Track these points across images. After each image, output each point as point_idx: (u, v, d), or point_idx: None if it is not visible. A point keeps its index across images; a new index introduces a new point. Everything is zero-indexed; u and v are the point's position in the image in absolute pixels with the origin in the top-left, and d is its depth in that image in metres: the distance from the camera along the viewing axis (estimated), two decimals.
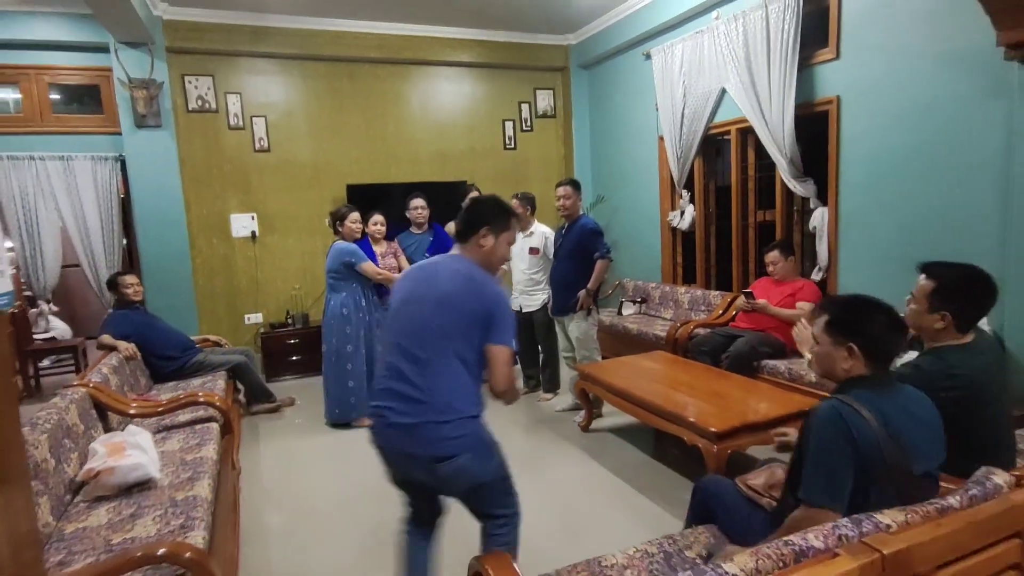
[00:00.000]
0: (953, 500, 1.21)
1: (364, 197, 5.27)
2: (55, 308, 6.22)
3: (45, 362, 5.81)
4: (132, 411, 2.76)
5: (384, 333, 1.87)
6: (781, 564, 1.05)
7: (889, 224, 3.41)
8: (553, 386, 4.47)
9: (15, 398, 1.30)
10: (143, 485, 2.18)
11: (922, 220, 3.23)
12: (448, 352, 1.70)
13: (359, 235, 4.05)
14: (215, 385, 3.57)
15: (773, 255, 3.87)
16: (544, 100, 6.27)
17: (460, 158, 5.96)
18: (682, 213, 5.04)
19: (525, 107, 6.19)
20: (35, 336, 5.43)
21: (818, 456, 1.38)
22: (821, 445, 1.38)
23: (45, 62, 4.61)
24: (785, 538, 1.11)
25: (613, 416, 3.83)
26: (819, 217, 3.80)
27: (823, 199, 3.80)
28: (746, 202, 4.53)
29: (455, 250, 1.89)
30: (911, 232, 3.28)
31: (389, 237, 4.44)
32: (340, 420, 3.97)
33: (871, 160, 3.48)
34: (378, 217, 4.33)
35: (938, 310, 1.81)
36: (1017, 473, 1.34)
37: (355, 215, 3.99)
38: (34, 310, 5.23)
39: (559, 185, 4.08)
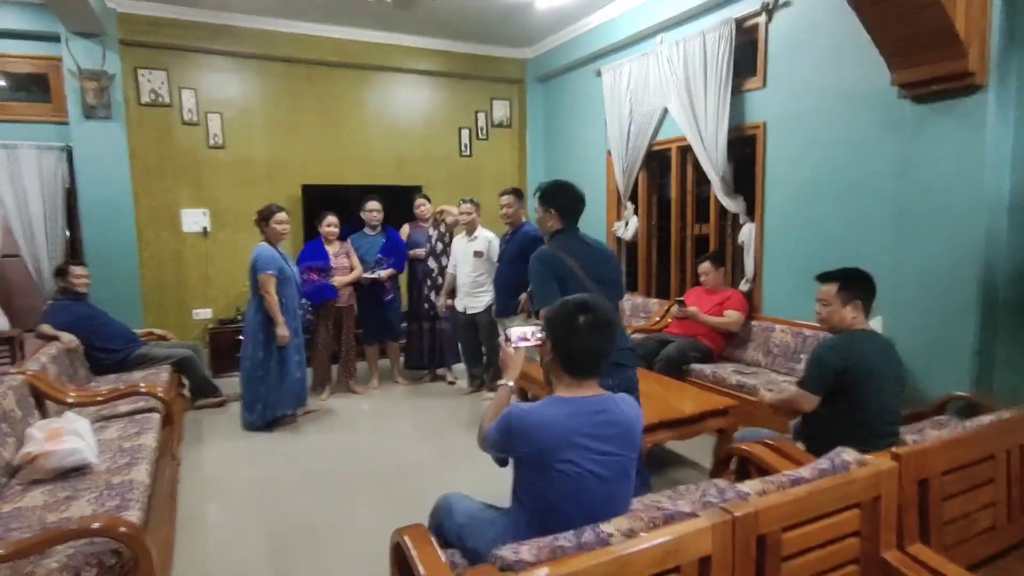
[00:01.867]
0: (805, 472, 1.41)
1: (319, 197, 5.35)
2: None
3: None
4: (71, 400, 2.78)
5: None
6: (652, 525, 1.23)
7: (805, 240, 3.71)
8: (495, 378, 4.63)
9: None
10: (79, 470, 2.22)
11: (831, 238, 3.54)
12: None
13: (285, 237, 3.92)
14: (158, 378, 3.58)
15: (705, 266, 4.14)
16: (500, 110, 6.46)
17: (415, 163, 6.08)
18: (626, 224, 5.29)
19: (481, 116, 6.36)
20: None
21: (537, 279, 2.37)
22: (538, 273, 2.36)
23: None
24: (658, 503, 1.29)
25: None
26: (747, 232, 4.09)
27: (752, 215, 4.09)
28: (685, 215, 4.80)
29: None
30: (822, 248, 3.58)
31: (342, 237, 4.53)
32: (261, 423, 3.85)
33: (790, 182, 3.79)
34: (332, 218, 4.41)
35: (850, 301, 2.22)
36: (871, 455, 1.57)
37: (282, 215, 3.87)
38: None
39: (503, 194, 4.27)
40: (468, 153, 6.34)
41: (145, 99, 5.01)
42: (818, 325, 2.46)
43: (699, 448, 3.32)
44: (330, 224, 4.38)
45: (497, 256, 4.32)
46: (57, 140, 4.70)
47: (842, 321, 2.23)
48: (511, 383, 1.86)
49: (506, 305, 4.17)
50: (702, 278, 4.17)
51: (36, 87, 4.76)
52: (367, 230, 4.63)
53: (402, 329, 4.87)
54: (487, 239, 4.46)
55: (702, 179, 4.50)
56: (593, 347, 1.57)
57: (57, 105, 4.73)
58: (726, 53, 3.98)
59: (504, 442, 1.58)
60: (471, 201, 4.53)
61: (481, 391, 4.72)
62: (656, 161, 5.12)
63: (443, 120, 6.19)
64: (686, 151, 4.64)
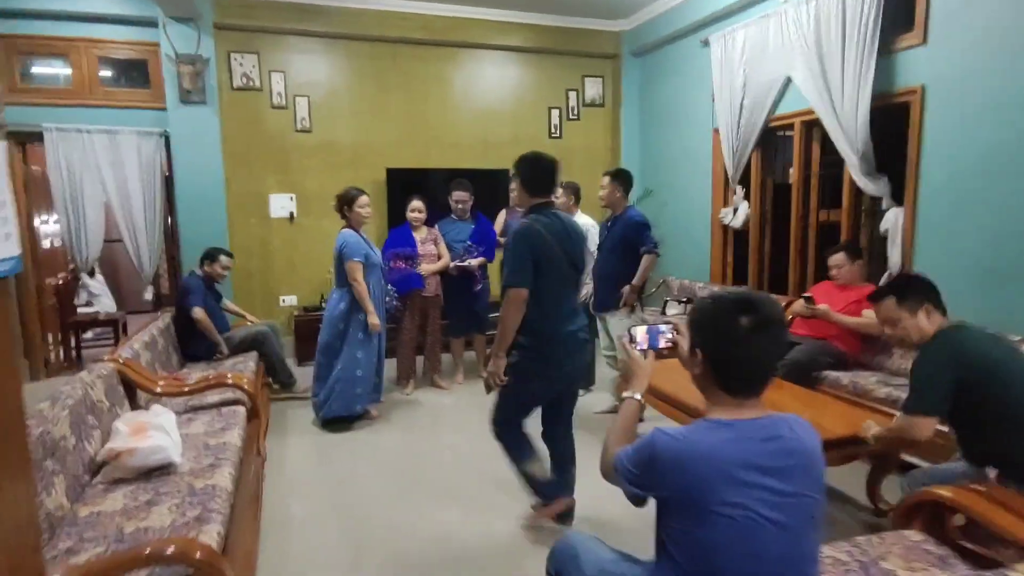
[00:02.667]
0: None
1: (404, 181, 5.17)
2: (100, 281, 6.32)
3: (89, 334, 5.90)
4: (159, 390, 2.68)
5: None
6: None
7: (976, 230, 3.08)
8: (588, 382, 4.28)
9: (18, 380, 1.18)
10: (163, 469, 2.08)
11: (1015, 226, 2.90)
12: None
13: (367, 221, 3.73)
14: (245, 367, 3.49)
15: (838, 258, 3.57)
16: (593, 88, 6.03)
17: (503, 145, 5.77)
18: (735, 210, 4.76)
19: (572, 95, 5.96)
20: (78, 308, 5.50)
21: (513, 253, 2.21)
22: (516, 247, 2.21)
23: (95, 35, 4.62)
24: None
25: (657, 422, 3.59)
26: (892, 219, 3.49)
27: (898, 199, 3.49)
28: (807, 200, 4.22)
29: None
30: (1002, 239, 2.96)
31: (430, 223, 4.30)
32: (328, 415, 3.61)
33: (958, 158, 3.16)
34: (417, 203, 4.19)
35: (919, 306, 1.97)
36: None
37: (364, 198, 3.65)
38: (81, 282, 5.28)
39: (605, 175, 3.87)
40: (558, 134, 5.97)
41: (237, 83, 4.98)
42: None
43: (842, 475, 2.82)
44: (414, 209, 4.16)
45: (597, 244, 3.95)
46: (156, 126, 4.75)
47: (923, 331, 1.97)
48: (639, 395, 1.51)
49: (607, 298, 3.80)
50: (833, 272, 3.61)
51: (136, 73, 4.83)
52: (454, 216, 4.38)
53: (490, 321, 4.60)
54: (585, 226, 4.10)
55: (831, 158, 3.92)
56: (759, 356, 1.20)
57: (156, 91, 4.78)
58: (873, 7, 3.38)
59: (645, 477, 1.23)
60: (565, 185, 4.16)
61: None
62: (773, 138, 4.55)
63: (532, 100, 5.84)
64: (812, 126, 4.06)
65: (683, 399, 2.75)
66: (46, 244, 5.01)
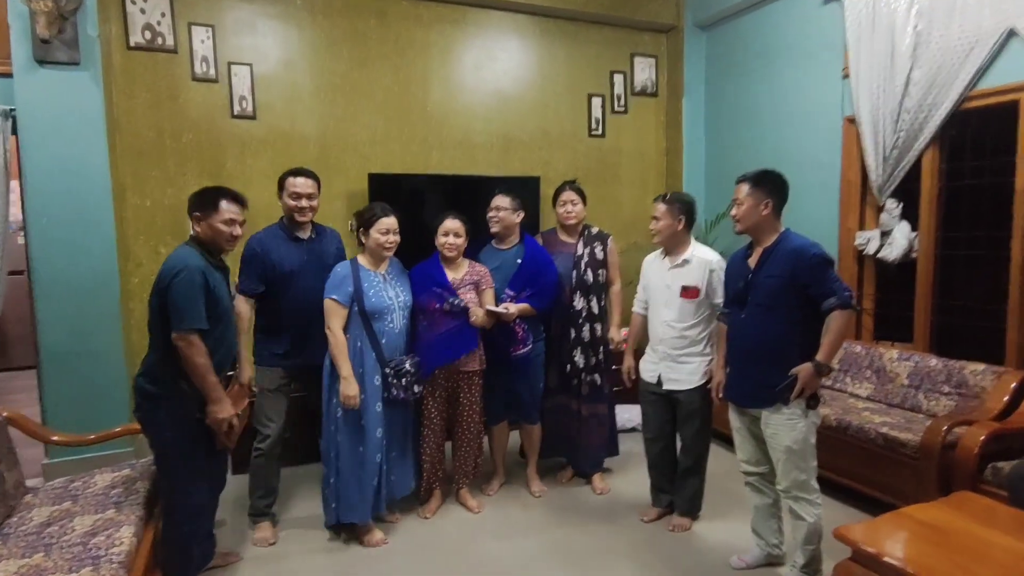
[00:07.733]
0: None
1: (393, 192, 3.55)
2: None
3: None
4: None
5: None
6: None
7: None
8: (692, 508, 2.69)
9: None
10: None
11: None
12: None
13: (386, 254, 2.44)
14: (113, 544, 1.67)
15: None
16: (644, 71, 4.52)
17: (529, 145, 4.20)
18: (886, 235, 3.28)
19: (619, 79, 4.43)
20: None
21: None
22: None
23: None
24: None
25: None
26: None
27: None
28: None
29: None
30: None
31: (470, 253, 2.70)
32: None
33: None
34: (452, 223, 2.58)
35: None
36: None
37: (387, 222, 2.41)
38: None
39: (740, 181, 2.29)
40: (599, 131, 4.41)
41: (136, 39, 3.24)
42: None
43: None
44: (448, 232, 2.54)
45: (730, 292, 2.37)
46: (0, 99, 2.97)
47: None
48: None
49: (758, 382, 2.21)
50: None
51: None
52: (494, 242, 2.76)
53: (539, 405, 2.96)
54: (705, 264, 2.52)
55: None
56: None
57: (2, 45, 3.01)
58: None
59: None
60: (669, 199, 2.58)
61: (671, 516, 2.76)
62: (969, 127, 3.05)
63: (567, 84, 4.28)
64: None
65: None
66: None
